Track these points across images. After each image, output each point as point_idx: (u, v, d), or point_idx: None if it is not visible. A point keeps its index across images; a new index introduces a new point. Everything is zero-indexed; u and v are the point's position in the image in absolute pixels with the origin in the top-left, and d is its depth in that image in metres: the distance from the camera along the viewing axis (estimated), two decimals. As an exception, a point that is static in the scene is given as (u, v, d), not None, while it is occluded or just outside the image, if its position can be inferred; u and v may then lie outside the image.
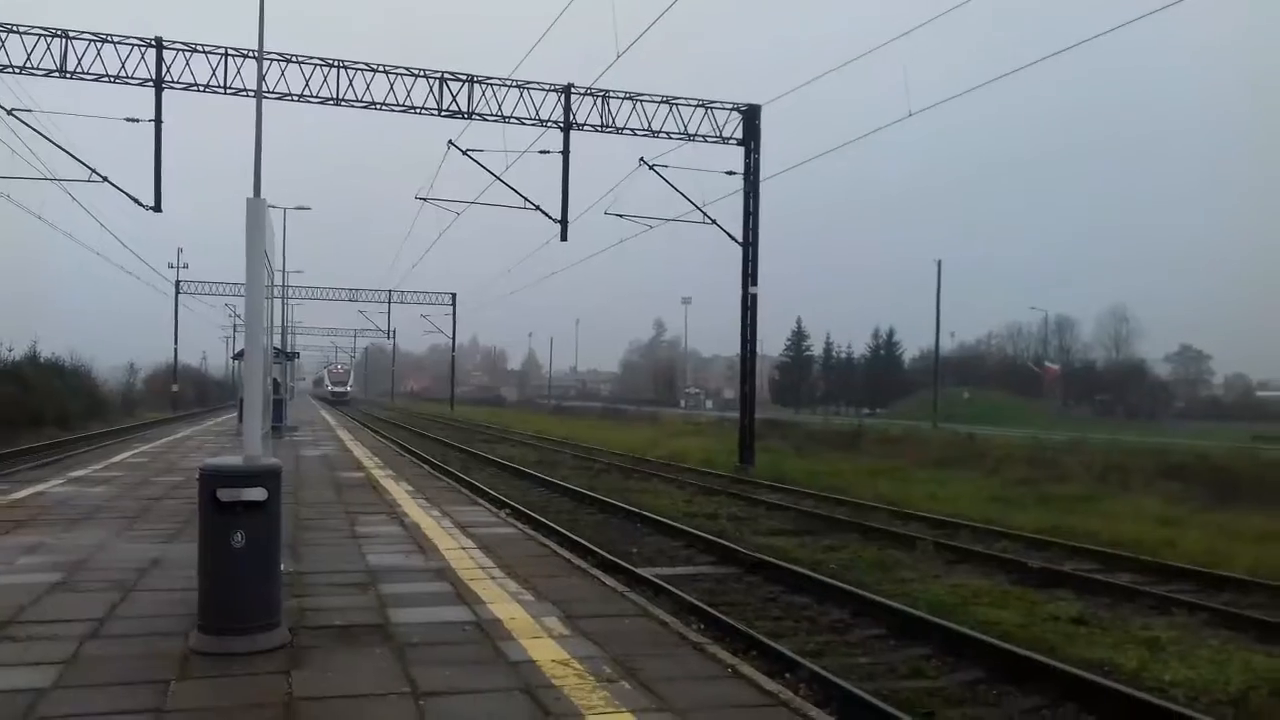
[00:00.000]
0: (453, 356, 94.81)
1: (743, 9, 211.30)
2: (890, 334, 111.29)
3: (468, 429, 53.16)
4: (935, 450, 29.96)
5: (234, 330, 79.80)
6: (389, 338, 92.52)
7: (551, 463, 29.67)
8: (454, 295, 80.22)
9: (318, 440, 29.58)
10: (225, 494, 5.58)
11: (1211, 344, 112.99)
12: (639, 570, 11.62)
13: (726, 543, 13.91)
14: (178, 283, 67.00)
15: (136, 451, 23.15)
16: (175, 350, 68.30)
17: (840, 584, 11.05)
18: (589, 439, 41.63)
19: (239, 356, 35.77)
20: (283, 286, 42.17)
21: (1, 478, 16.64)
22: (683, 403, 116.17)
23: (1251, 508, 17.29)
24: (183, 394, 69.06)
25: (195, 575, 6.02)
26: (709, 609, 9.57)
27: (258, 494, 5.64)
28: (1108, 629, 9.65)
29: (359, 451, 24.96)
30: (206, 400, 78.17)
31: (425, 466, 22.10)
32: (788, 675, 7.38)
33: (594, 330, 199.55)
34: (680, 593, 10.28)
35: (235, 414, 35.18)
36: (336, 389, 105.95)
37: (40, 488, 14.56)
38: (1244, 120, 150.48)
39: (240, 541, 5.57)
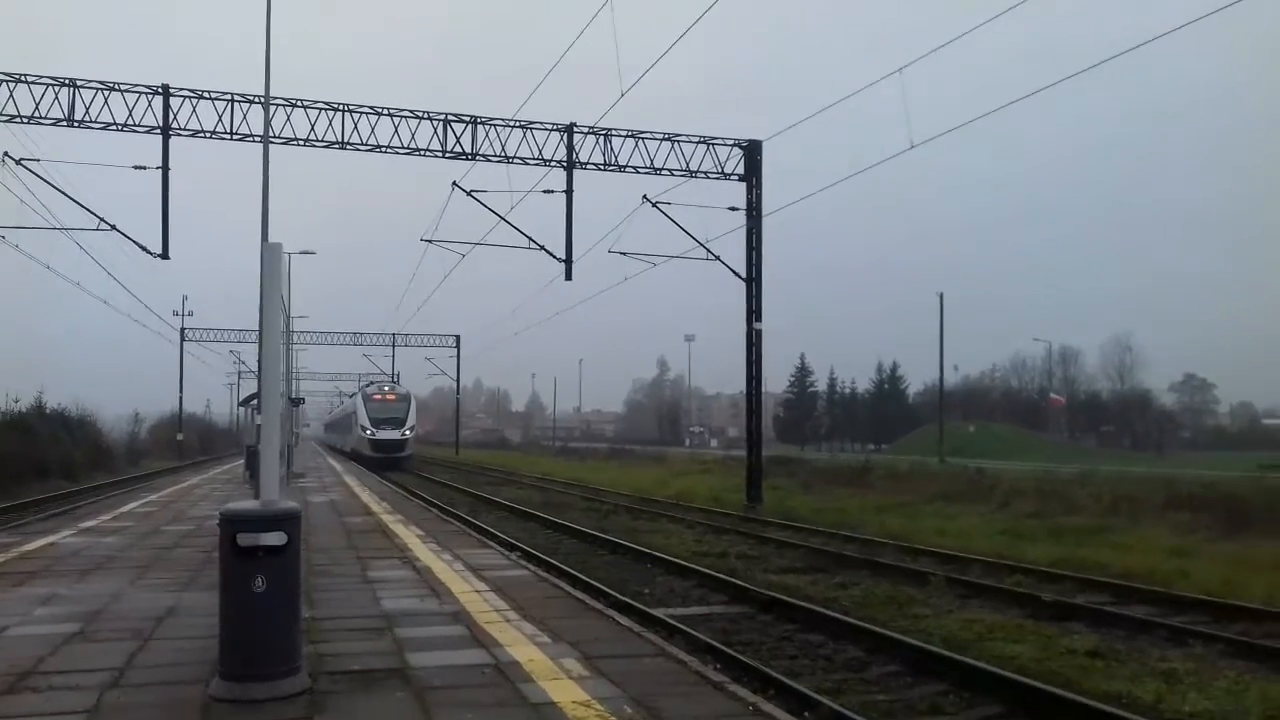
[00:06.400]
0: (457, 399, 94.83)
1: (748, 40, 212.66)
2: (894, 368, 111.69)
3: (473, 472, 53.09)
4: (943, 485, 29.85)
5: (239, 377, 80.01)
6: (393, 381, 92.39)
7: (559, 505, 29.60)
8: (458, 338, 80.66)
9: (325, 486, 29.55)
10: (245, 539, 5.60)
11: (1216, 373, 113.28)
12: (653, 611, 11.60)
13: (738, 582, 13.87)
14: (183, 330, 67.16)
15: (144, 501, 23.12)
16: (180, 398, 68.28)
17: (854, 621, 11.03)
18: (595, 480, 41.57)
19: (245, 403, 35.82)
20: (288, 331, 42.30)
21: (12, 529, 16.65)
22: (687, 441, 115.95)
23: (1262, 537, 17.23)
24: (188, 443, 69.00)
25: (212, 623, 6.04)
26: (725, 648, 9.54)
27: (277, 538, 5.65)
28: (1124, 661, 9.63)
29: (366, 496, 24.93)
30: (212, 449, 78.10)
31: (433, 510, 22.09)
32: (807, 714, 7.36)
33: (597, 370, 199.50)
34: (695, 632, 10.25)
35: (241, 462, 35.14)
36: (385, 434, 55.56)
37: (52, 539, 14.55)
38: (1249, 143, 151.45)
39: (261, 586, 5.58)
